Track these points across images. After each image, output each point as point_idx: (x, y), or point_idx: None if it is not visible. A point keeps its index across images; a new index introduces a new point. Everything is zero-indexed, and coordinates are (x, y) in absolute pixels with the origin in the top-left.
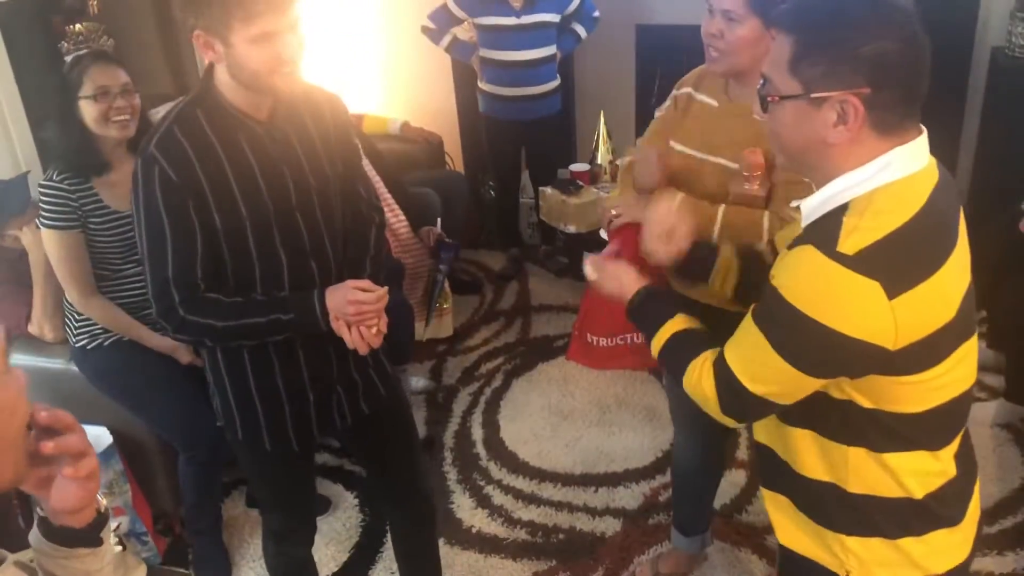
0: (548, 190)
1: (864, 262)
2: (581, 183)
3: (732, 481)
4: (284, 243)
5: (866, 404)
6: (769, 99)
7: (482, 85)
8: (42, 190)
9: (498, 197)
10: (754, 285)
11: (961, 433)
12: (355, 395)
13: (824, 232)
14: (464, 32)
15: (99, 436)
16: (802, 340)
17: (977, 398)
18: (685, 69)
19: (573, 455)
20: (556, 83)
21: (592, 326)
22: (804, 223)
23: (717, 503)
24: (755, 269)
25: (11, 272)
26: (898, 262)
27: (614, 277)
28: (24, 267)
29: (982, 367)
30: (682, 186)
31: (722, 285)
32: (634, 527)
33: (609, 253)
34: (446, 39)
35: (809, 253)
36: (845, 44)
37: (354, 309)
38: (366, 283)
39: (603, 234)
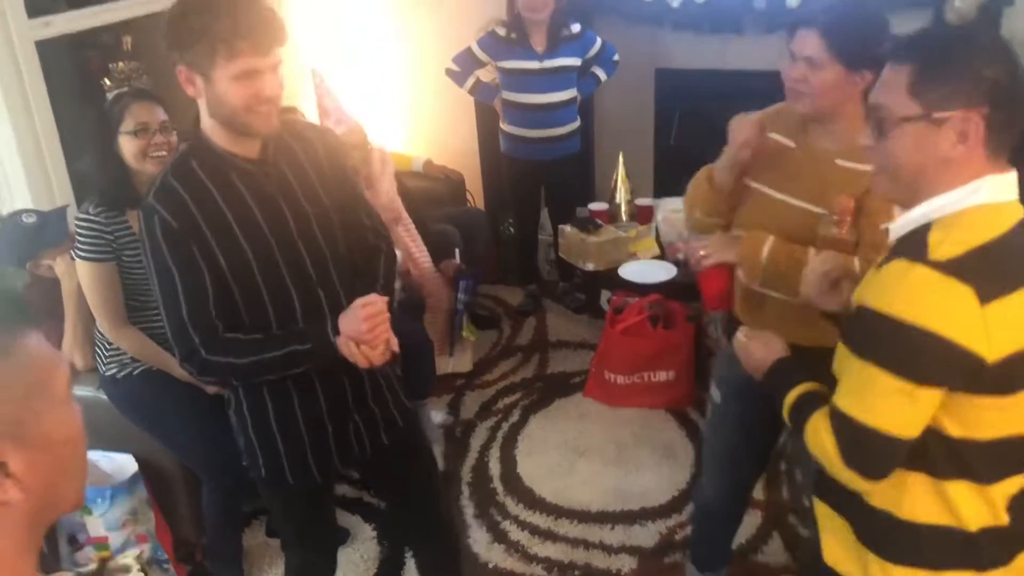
0: (567, 228)
1: (955, 268)
2: (600, 222)
3: (748, 522)
4: (291, 274)
5: (950, 430)
6: (888, 123)
7: (504, 126)
8: (78, 222)
9: (517, 234)
10: None
11: (1020, 476)
12: (374, 426)
13: (912, 247)
14: (487, 75)
15: (125, 464)
16: (903, 347)
17: None
18: (703, 112)
19: (590, 492)
20: (576, 124)
21: (610, 363)
22: (892, 237)
23: (733, 543)
24: None
25: (44, 301)
26: (989, 270)
27: (765, 343)
28: (57, 296)
29: None
30: (757, 225)
31: None
32: (650, 565)
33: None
34: (470, 81)
35: (900, 265)
36: (967, 65)
37: (367, 325)
38: (369, 297)
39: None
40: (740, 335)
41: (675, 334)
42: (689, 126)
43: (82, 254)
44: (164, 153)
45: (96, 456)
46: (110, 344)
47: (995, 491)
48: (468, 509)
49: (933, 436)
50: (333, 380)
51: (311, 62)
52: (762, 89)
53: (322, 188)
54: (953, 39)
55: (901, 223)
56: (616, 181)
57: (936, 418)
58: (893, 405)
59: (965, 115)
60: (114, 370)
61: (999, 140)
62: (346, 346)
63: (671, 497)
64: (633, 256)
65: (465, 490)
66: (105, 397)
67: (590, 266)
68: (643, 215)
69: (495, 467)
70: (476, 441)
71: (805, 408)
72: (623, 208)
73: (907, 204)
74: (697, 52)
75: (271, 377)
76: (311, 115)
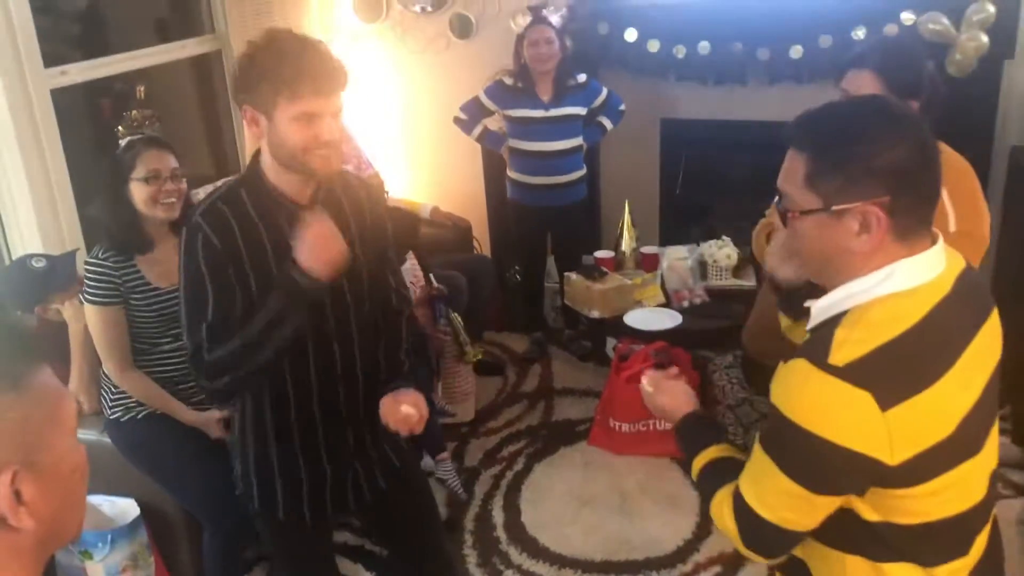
0: (573, 275)
1: (854, 373)
2: (605, 269)
3: (753, 572)
4: (311, 324)
5: (867, 516)
6: (789, 215)
7: (511, 173)
8: (87, 266)
9: (523, 281)
10: None
11: (970, 559)
12: (373, 472)
13: (816, 345)
14: (494, 123)
15: (127, 508)
16: (802, 455)
17: (1001, 495)
18: (708, 161)
19: (594, 541)
20: (582, 172)
21: (615, 411)
22: (810, 325)
23: None
24: None
25: (51, 344)
26: (889, 374)
27: (671, 393)
28: (64, 339)
29: (1006, 463)
30: None
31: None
32: None
33: (670, 373)
34: (477, 129)
35: (800, 366)
36: (859, 158)
37: (400, 426)
38: (410, 409)
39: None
40: (644, 383)
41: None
42: (694, 175)
43: (90, 297)
44: (174, 200)
45: (98, 500)
46: (116, 387)
47: (940, 572)
48: (471, 558)
49: (854, 520)
50: (336, 424)
51: (384, 99)
52: (765, 139)
53: (360, 242)
54: (846, 125)
55: (819, 308)
56: (622, 229)
57: (851, 503)
58: (787, 505)
59: (864, 207)
60: (119, 413)
61: (907, 224)
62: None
63: (676, 547)
64: (639, 304)
65: (468, 539)
66: (109, 440)
67: (595, 313)
68: (648, 263)
69: (499, 515)
70: (480, 489)
71: (712, 480)
72: (629, 256)
73: (825, 285)
74: (702, 102)
75: (271, 361)
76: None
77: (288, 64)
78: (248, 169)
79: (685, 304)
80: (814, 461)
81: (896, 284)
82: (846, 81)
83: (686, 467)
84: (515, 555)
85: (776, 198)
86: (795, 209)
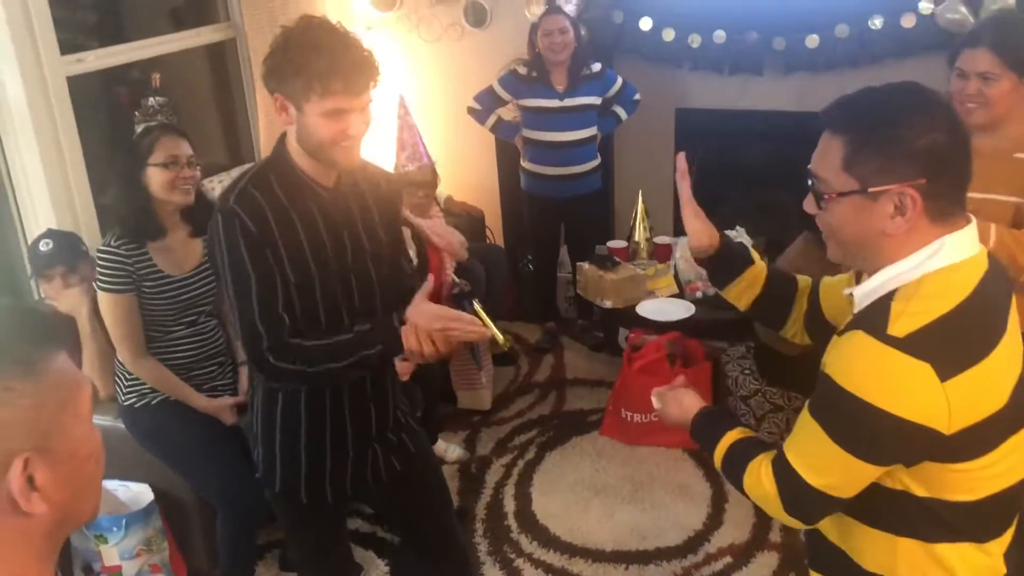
0: (586, 265)
1: (914, 344)
2: (618, 259)
3: (764, 563)
4: (345, 302)
5: (920, 493)
6: (825, 196)
7: (524, 163)
8: (100, 254)
9: (536, 271)
10: (773, 305)
11: (1013, 528)
12: (389, 454)
13: (873, 318)
14: (508, 113)
15: (141, 493)
16: (858, 425)
17: None
18: (723, 151)
19: (605, 531)
20: (596, 162)
21: (627, 402)
22: (856, 309)
23: None
24: (780, 291)
25: (66, 331)
26: (948, 345)
27: (676, 401)
28: (74, 327)
29: None
30: None
31: (740, 294)
32: None
33: (675, 383)
34: (491, 119)
35: (859, 338)
36: (898, 141)
37: (441, 324)
38: (454, 313)
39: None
40: (654, 400)
41: (693, 372)
42: (709, 165)
43: (104, 285)
44: (190, 186)
45: (112, 485)
46: (130, 374)
47: (992, 546)
48: (482, 546)
49: (907, 500)
50: (361, 406)
51: (400, 89)
52: (780, 129)
53: (381, 228)
54: (884, 109)
55: (863, 293)
56: (635, 219)
57: (904, 482)
58: (834, 471)
59: (901, 189)
60: (132, 400)
61: (940, 207)
62: (409, 334)
63: (687, 537)
64: (651, 294)
65: (479, 527)
66: (123, 426)
67: (608, 304)
68: (662, 253)
69: (510, 504)
70: (491, 478)
71: (738, 459)
72: (642, 246)
73: (865, 269)
74: (717, 92)
75: (339, 374)
76: (389, 141)
77: (322, 60)
78: (275, 153)
79: (698, 295)
80: (868, 431)
81: (944, 259)
82: (961, 60)
83: (698, 458)
84: (526, 543)
85: (809, 182)
86: (831, 192)
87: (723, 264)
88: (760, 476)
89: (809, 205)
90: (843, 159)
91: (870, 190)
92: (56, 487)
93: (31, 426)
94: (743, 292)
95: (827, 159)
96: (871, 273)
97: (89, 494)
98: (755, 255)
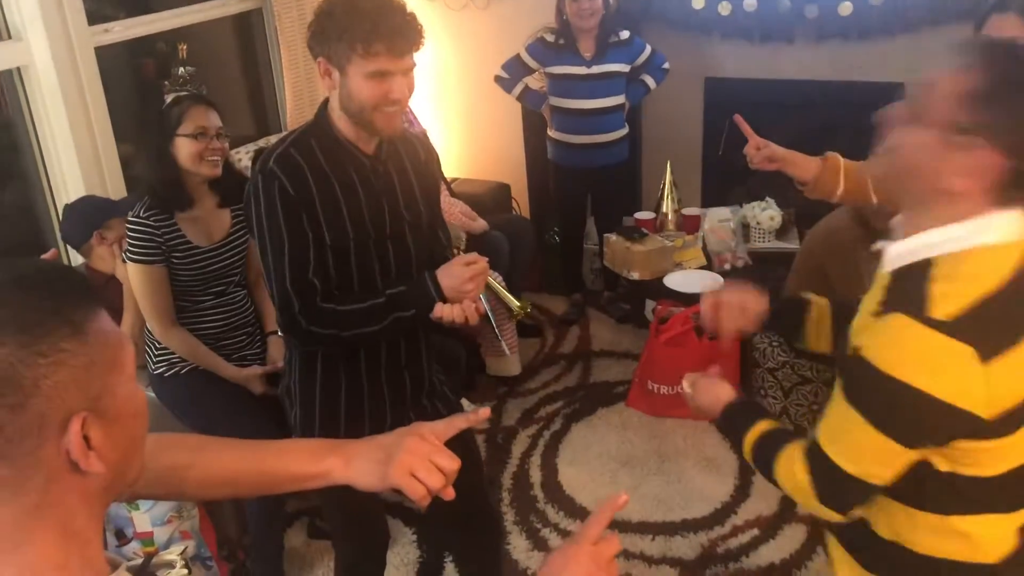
0: (612, 237)
1: (956, 327)
2: (646, 231)
3: (791, 536)
4: (380, 269)
5: (942, 467)
6: (913, 116)
7: (551, 133)
8: (129, 225)
9: (563, 242)
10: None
11: None
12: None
13: (911, 297)
14: (535, 81)
15: None
16: (897, 408)
17: None
18: (753, 121)
19: (631, 502)
20: (624, 132)
21: (653, 374)
22: (885, 268)
23: (776, 557)
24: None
25: (103, 293)
26: (988, 328)
27: (709, 390)
28: (108, 294)
29: None
30: None
31: (817, 338)
32: None
33: (710, 372)
34: (518, 88)
35: (900, 320)
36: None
37: (473, 284)
38: (471, 256)
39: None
40: (685, 385)
41: (720, 345)
42: (738, 135)
43: (133, 256)
44: (218, 158)
45: None
46: (159, 344)
47: (1014, 518)
48: (508, 516)
49: (927, 473)
50: (396, 370)
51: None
52: (812, 98)
53: (421, 196)
54: None
55: (899, 251)
56: (663, 190)
57: (927, 455)
58: (872, 458)
59: (988, 153)
60: (162, 369)
61: (1006, 193)
62: (443, 310)
63: (714, 509)
64: (679, 266)
65: (505, 496)
66: (153, 395)
67: (635, 275)
68: (690, 224)
69: (536, 475)
70: (517, 448)
71: (770, 445)
72: (670, 217)
73: (894, 205)
74: (747, 61)
75: (372, 336)
76: None
77: (365, 22)
78: (317, 117)
79: (727, 267)
80: (910, 414)
81: (991, 236)
82: (988, 27)
83: (726, 432)
84: (552, 514)
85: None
86: (925, 117)
87: (781, 320)
88: (792, 466)
89: (902, 113)
90: (961, 94)
91: (964, 136)
92: (109, 446)
93: (84, 386)
94: (819, 335)
95: (936, 86)
96: (906, 227)
97: (136, 453)
98: (809, 295)
